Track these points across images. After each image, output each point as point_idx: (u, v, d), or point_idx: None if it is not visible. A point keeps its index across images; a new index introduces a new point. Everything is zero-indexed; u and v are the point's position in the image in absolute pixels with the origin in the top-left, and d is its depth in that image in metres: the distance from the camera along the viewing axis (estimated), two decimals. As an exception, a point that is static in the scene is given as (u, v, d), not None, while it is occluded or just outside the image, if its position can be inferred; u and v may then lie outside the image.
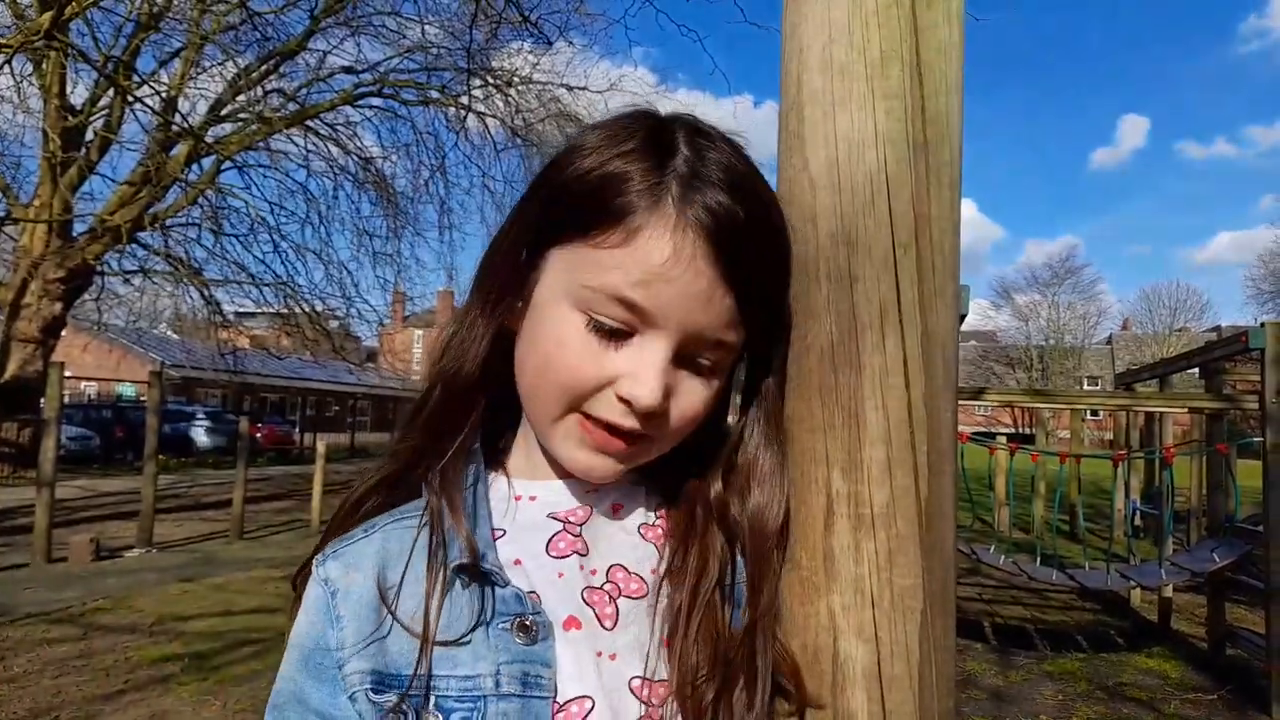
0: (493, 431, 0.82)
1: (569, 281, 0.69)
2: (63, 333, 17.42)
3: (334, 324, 19.90)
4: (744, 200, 0.66)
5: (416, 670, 0.66)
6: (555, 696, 0.66)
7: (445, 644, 0.67)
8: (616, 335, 0.68)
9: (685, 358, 0.70)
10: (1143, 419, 10.73)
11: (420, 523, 0.72)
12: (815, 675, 0.70)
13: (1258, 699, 5.67)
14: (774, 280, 0.71)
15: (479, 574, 0.69)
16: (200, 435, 26.42)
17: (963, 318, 5.48)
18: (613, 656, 0.70)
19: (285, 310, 18.11)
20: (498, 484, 0.79)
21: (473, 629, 0.67)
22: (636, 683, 0.69)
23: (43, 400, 10.40)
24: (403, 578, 0.70)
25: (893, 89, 0.70)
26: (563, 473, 0.77)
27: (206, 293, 17.13)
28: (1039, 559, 7.05)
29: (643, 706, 0.68)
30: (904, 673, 0.68)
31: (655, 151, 0.67)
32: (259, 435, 25.65)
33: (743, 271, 0.67)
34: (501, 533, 0.74)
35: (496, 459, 0.81)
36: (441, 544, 0.70)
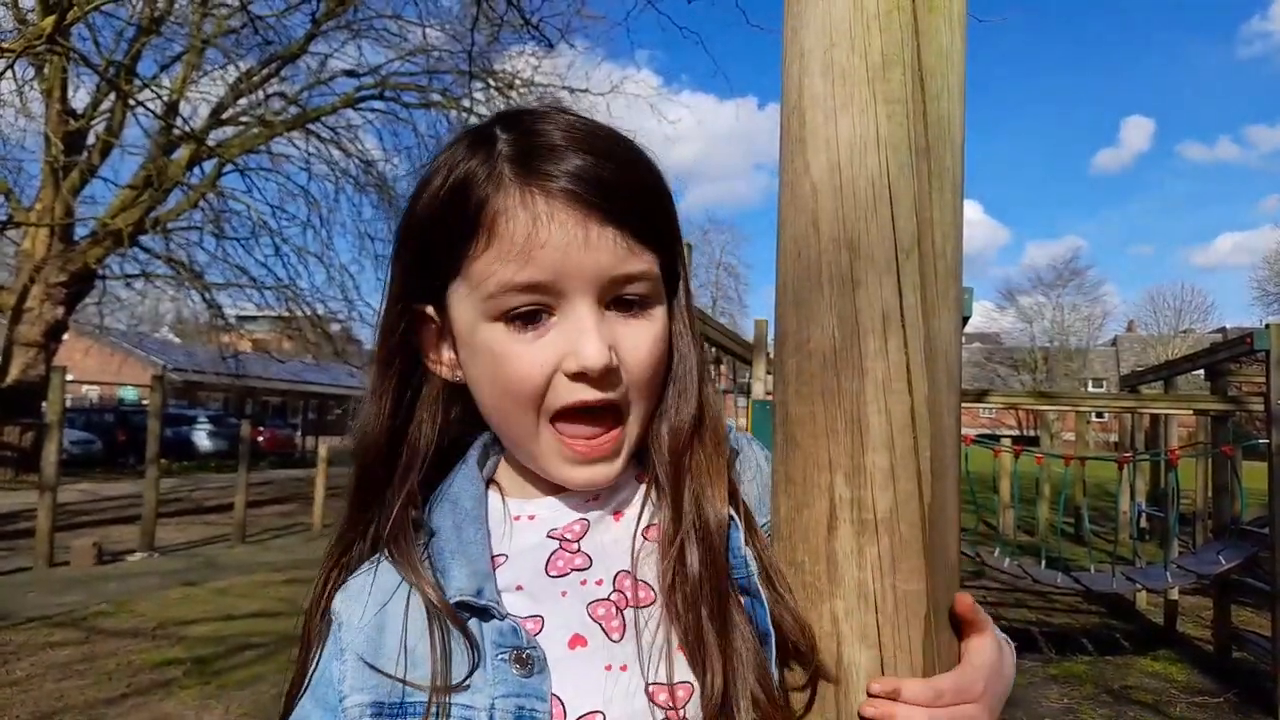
0: (480, 454, 0.83)
1: (473, 304, 0.71)
2: (65, 336, 17.47)
3: (336, 327, 19.94)
4: (576, 145, 0.69)
5: (426, 701, 0.66)
6: (563, 712, 0.66)
7: (446, 687, 0.67)
8: (535, 322, 0.70)
9: (610, 305, 0.71)
10: (1148, 421, 10.71)
11: (419, 556, 0.73)
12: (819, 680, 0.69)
13: (1264, 702, 5.65)
14: (645, 199, 0.72)
15: (476, 609, 0.70)
16: (202, 439, 26.46)
17: (966, 320, 5.48)
18: (623, 668, 0.69)
19: (287, 313, 18.15)
20: (494, 506, 0.79)
21: (472, 670, 0.68)
22: (654, 688, 0.68)
23: (45, 404, 10.41)
24: (406, 611, 0.71)
25: (894, 93, 0.69)
26: (554, 488, 0.78)
27: (208, 296, 17.18)
28: (1044, 562, 7.04)
29: (661, 712, 0.67)
30: (908, 677, 0.67)
31: (480, 148, 0.71)
32: (261, 439, 25.68)
33: (609, 200, 0.68)
34: (503, 558, 0.75)
35: (489, 481, 0.81)
36: (443, 577, 0.71)
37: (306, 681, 0.74)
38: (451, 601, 0.69)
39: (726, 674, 0.66)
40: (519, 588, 0.73)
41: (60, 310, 16.05)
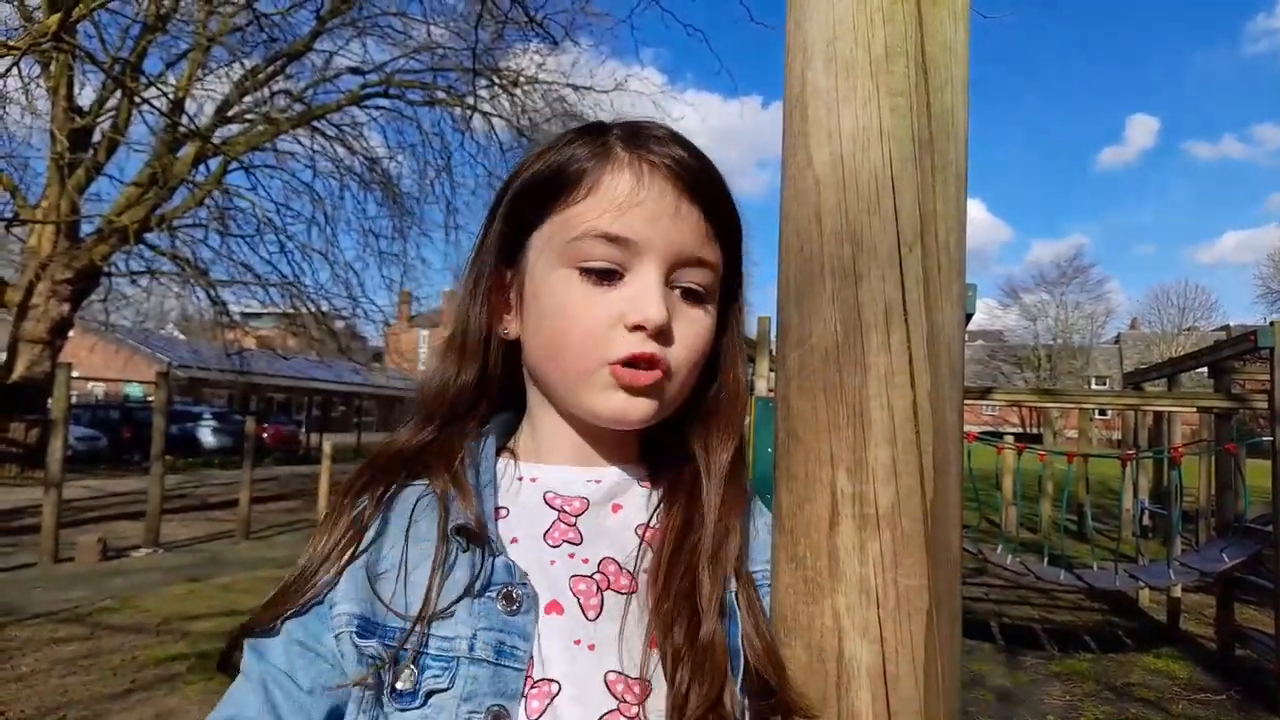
0: (506, 423, 0.86)
1: (553, 249, 0.75)
2: (70, 333, 17.49)
3: (340, 324, 19.97)
4: (683, 145, 0.76)
5: (408, 628, 0.68)
6: (529, 671, 0.68)
7: (431, 615, 0.68)
8: (609, 276, 0.74)
9: (674, 286, 0.76)
10: (1151, 418, 10.69)
11: (427, 489, 0.76)
12: (820, 676, 0.69)
13: (1267, 700, 5.64)
14: (727, 202, 0.79)
15: (478, 538, 0.72)
16: (207, 435, 26.48)
17: (969, 317, 5.47)
18: (591, 646, 0.70)
19: (291, 310, 18.17)
20: (507, 466, 0.82)
21: (461, 595, 0.69)
22: (613, 676, 0.69)
23: (50, 401, 10.43)
24: (407, 534, 0.73)
25: (898, 85, 0.69)
26: (566, 459, 0.81)
27: (213, 293, 17.19)
28: (1046, 559, 7.04)
29: (616, 701, 0.68)
30: (909, 673, 0.68)
31: (593, 135, 0.77)
32: (265, 435, 25.70)
33: (700, 187, 0.75)
34: (505, 511, 0.78)
35: (503, 449, 0.84)
36: (445, 503, 0.74)
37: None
38: (453, 525, 0.72)
39: (691, 685, 0.67)
40: (513, 540, 0.75)
41: (66, 307, 16.07)
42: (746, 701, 0.71)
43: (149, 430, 11.54)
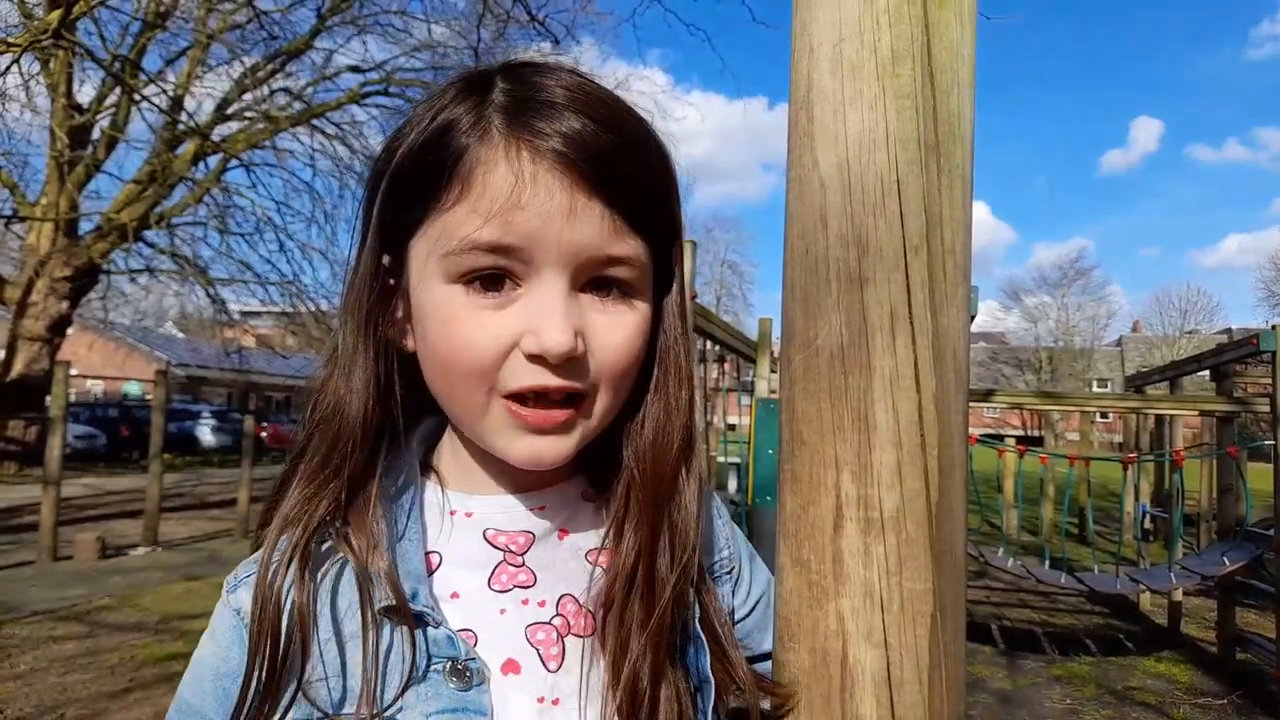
0: (428, 434, 0.77)
1: (433, 260, 0.63)
2: (69, 331, 17.49)
3: (340, 323, 19.92)
4: (578, 107, 0.62)
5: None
6: None
7: (381, 705, 0.61)
8: (496, 284, 0.62)
9: (588, 286, 0.65)
10: (1152, 421, 10.68)
11: (342, 557, 0.66)
12: (824, 680, 0.69)
13: (1268, 704, 5.64)
14: (645, 180, 0.66)
15: (409, 618, 0.63)
16: (205, 434, 26.47)
17: (972, 318, 5.46)
18: (555, 701, 0.65)
19: (291, 309, 18.16)
20: (432, 497, 0.72)
21: (406, 682, 0.62)
22: None
23: (49, 399, 10.42)
24: (333, 624, 0.64)
25: (904, 88, 0.69)
26: (500, 486, 0.72)
27: (212, 291, 17.20)
28: (1047, 562, 7.03)
29: None
30: (914, 677, 0.67)
31: (473, 94, 0.64)
32: (264, 434, 25.65)
33: (598, 172, 0.62)
34: (438, 558, 0.69)
35: (428, 468, 0.75)
36: (367, 580, 0.64)
37: (211, 686, 0.66)
38: (378, 606, 0.63)
39: (645, 648, 0.64)
40: (454, 595, 0.67)
41: (65, 305, 16.08)
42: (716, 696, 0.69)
43: (148, 428, 11.55)
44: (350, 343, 0.68)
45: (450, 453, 0.74)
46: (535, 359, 0.62)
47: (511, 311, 0.62)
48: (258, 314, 25.16)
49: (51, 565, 8.68)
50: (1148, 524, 10.23)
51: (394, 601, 0.63)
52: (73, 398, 18.93)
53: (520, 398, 0.63)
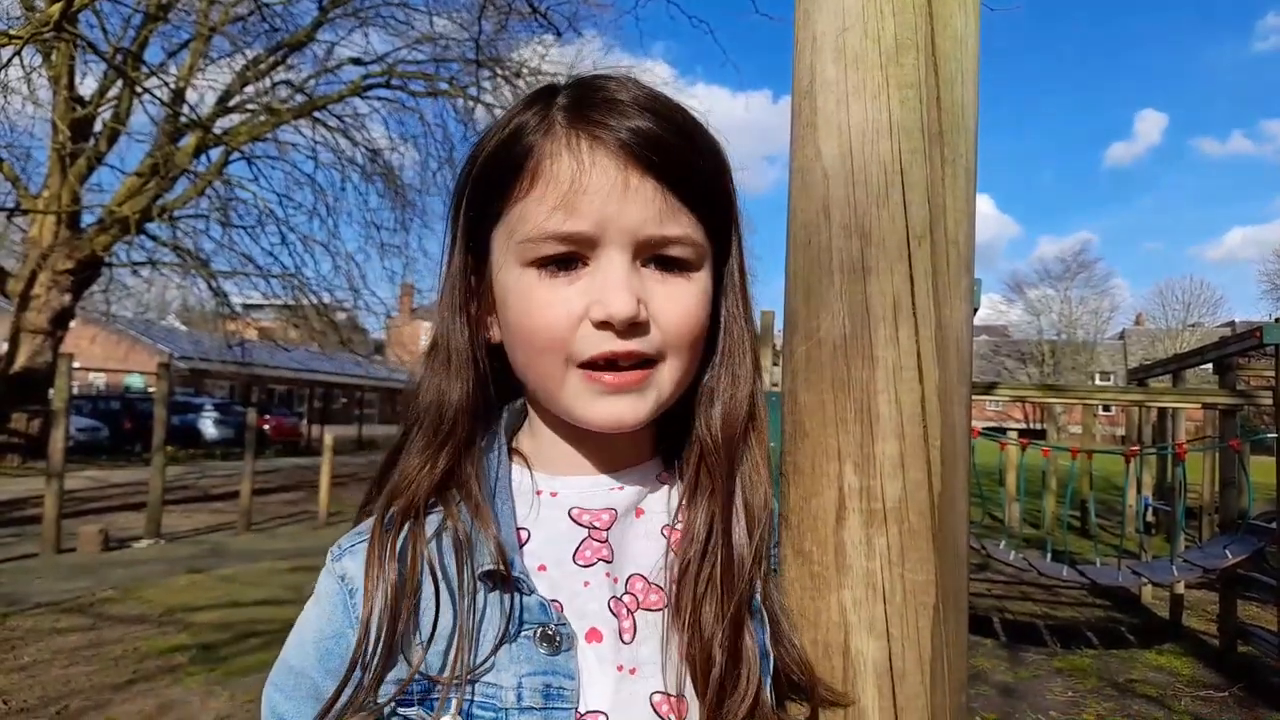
0: (513, 420, 0.81)
1: (510, 248, 0.70)
2: (71, 324, 17.49)
3: (341, 316, 19.94)
4: (632, 102, 0.68)
5: (448, 684, 0.65)
6: (577, 707, 0.66)
7: (472, 667, 0.65)
8: (568, 265, 0.68)
9: (649, 261, 0.70)
10: (1155, 414, 10.68)
11: (443, 525, 0.71)
12: (826, 670, 0.69)
13: (1270, 696, 5.64)
14: (694, 163, 0.70)
15: (505, 580, 0.68)
16: (208, 427, 26.52)
17: (975, 311, 5.46)
18: (633, 671, 0.69)
19: (293, 302, 18.14)
20: (521, 478, 0.77)
21: (498, 644, 0.66)
22: (658, 698, 0.68)
23: (51, 391, 10.44)
24: (436, 584, 0.68)
25: (907, 78, 0.69)
26: (582, 468, 0.76)
27: (214, 284, 17.16)
28: (1049, 555, 7.04)
29: None
30: (916, 668, 0.67)
31: (541, 100, 0.71)
32: (267, 427, 25.73)
33: (655, 156, 0.67)
34: (526, 534, 0.73)
35: (514, 452, 0.79)
36: (468, 547, 0.68)
37: (314, 650, 0.71)
38: (479, 570, 0.68)
39: (723, 693, 0.66)
40: (541, 568, 0.71)
41: (67, 297, 16.08)
42: (774, 701, 0.70)
43: (150, 421, 11.57)
44: (447, 334, 0.76)
45: (531, 436, 0.79)
46: (603, 325, 0.67)
47: (579, 286, 0.68)
48: (260, 307, 25.12)
49: (55, 557, 8.70)
50: (1150, 517, 10.24)
51: (496, 566, 0.67)
52: (75, 390, 18.99)
53: (593, 365, 0.68)
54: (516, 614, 0.67)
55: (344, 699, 0.65)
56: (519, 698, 0.65)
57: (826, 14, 0.71)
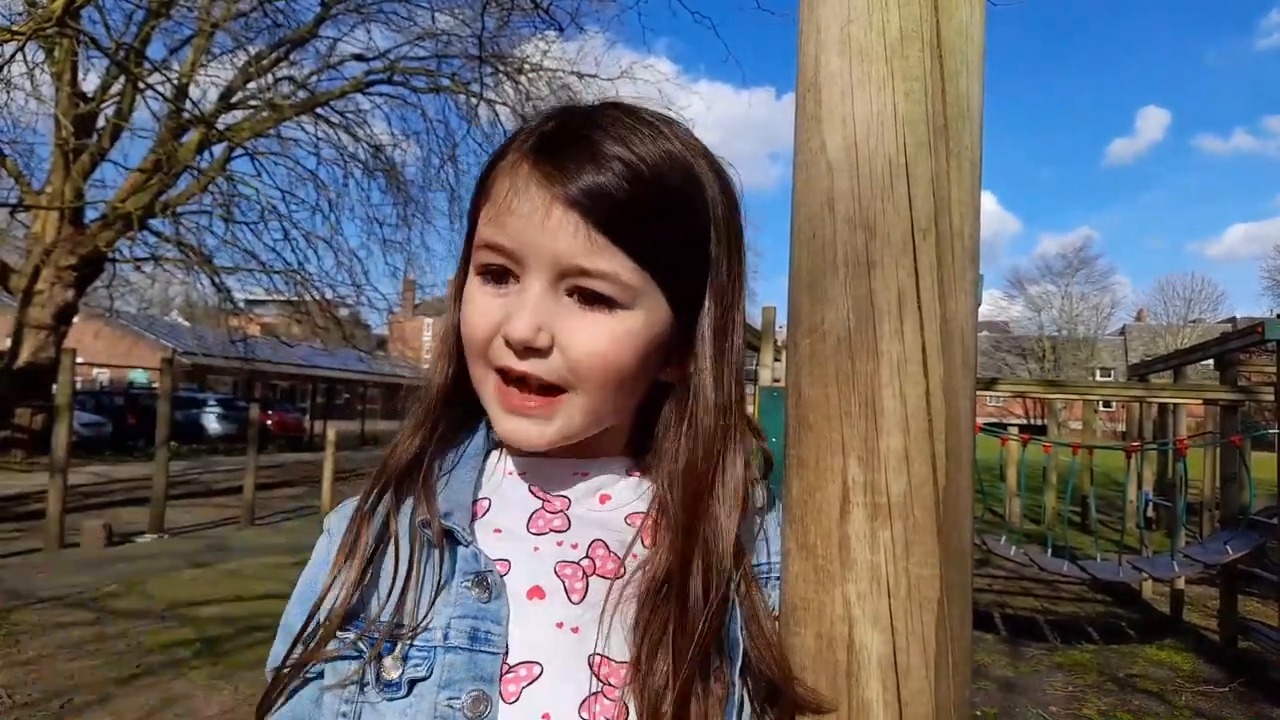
0: None
1: (473, 252, 0.76)
2: (75, 319, 17.52)
3: (344, 311, 19.98)
4: (597, 133, 0.70)
5: (380, 619, 0.71)
6: (506, 656, 0.69)
7: (415, 611, 0.71)
8: (502, 277, 0.73)
9: (571, 291, 0.71)
10: (1156, 410, 10.66)
11: (407, 490, 0.77)
12: (830, 664, 0.69)
13: (1270, 692, 5.65)
14: (634, 204, 0.69)
15: (447, 534, 0.73)
16: (211, 422, 26.57)
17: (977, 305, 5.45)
18: (575, 630, 0.71)
19: (296, 298, 18.17)
20: (494, 458, 0.82)
21: (436, 592, 0.71)
22: (597, 659, 0.70)
23: (55, 386, 10.46)
24: (395, 539, 0.74)
25: (913, 70, 0.68)
26: (550, 452, 0.78)
27: (217, 280, 17.18)
28: (1050, 550, 7.03)
29: (598, 683, 0.69)
30: (920, 662, 0.67)
31: (529, 126, 0.76)
32: (270, 422, 25.74)
33: (579, 189, 0.68)
34: (488, 503, 0.79)
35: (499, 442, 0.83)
36: (420, 506, 0.74)
37: (296, 592, 0.82)
38: (417, 521, 0.73)
39: (673, 672, 0.67)
40: (497, 530, 0.76)
41: (70, 293, 16.10)
42: (749, 691, 0.71)
43: (153, 416, 11.60)
44: (445, 324, 0.82)
45: None
46: (508, 343, 0.71)
47: (504, 300, 0.72)
48: (263, 302, 25.15)
49: (59, 552, 8.73)
50: (1150, 512, 10.23)
51: (426, 516, 0.73)
52: (79, 386, 18.97)
53: (505, 376, 0.73)
54: (453, 563, 0.72)
55: (308, 634, 0.74)
56: (446, 637, 0.69)
57: (831, 6, 0.71)
